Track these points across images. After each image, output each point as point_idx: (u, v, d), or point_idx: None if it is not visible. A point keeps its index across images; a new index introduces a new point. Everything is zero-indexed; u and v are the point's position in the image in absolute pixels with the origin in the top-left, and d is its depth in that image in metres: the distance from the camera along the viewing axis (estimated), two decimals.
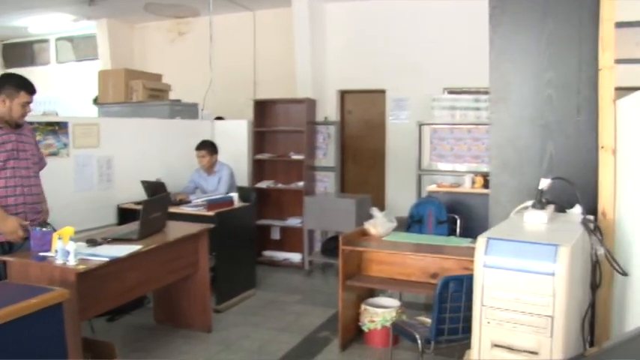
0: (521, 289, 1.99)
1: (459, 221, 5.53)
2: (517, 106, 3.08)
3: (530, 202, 2.53)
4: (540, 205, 2.44)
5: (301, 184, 7.07)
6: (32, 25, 10.14)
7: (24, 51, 11.64)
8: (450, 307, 3.26)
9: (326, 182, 7.36)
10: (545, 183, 2.50)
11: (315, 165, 7.37)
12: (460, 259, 4.01)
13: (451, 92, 7.02)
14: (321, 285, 6.28)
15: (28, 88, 3.77)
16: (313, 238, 7.11)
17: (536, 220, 2.38)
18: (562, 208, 2.67)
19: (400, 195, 7.16)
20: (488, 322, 2.04)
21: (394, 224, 4.68)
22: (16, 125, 3.79)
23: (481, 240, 2.07)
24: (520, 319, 2.00)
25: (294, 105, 7.32)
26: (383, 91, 7.56)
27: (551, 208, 2.50)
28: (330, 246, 6.57)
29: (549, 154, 3.00)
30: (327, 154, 7.33)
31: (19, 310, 2.37)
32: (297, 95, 7.57)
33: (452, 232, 5.42)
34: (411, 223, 5.41)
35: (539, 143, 3.03)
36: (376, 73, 7.51)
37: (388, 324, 4.29)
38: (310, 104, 7.14)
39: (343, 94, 7.91)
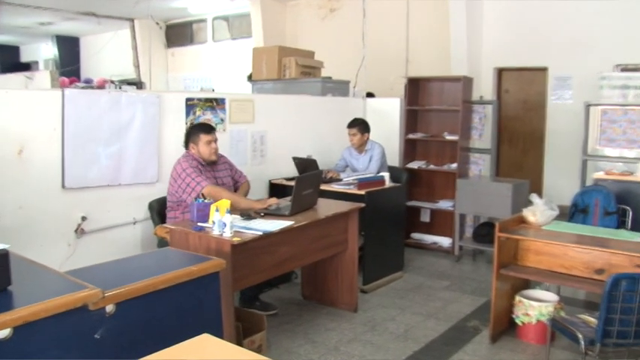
0: None
1: (630, 213, 5.09)
2: None
3: None
4: None
5: (454, 165, 6.88)
6: (191, 5, 10.75)
7: (184, 31, 12.40)
8: (621, 307, 3.02)
9: (480, 165, 7.11)
10: None
11: (469, 146, 7.14)
12: (632, 255, 3.70)
13: (624, 69, 6.46)
14: (470, 272, 6.11)
15: (204, 128, 4.49)
16: (464, 222, 6.91)
17: None
18: None
19: (560, 182, 6.77)
20: None
21: (556, 212, 4.41)
22: (212, 163, 4.51)
23: None
24: None
25: (448, 83, 7.11)
26: (544, 69, 7.14)
27: None
28: (483, 232, 6.37)
29: None
30: (482, 135, 7.06)
31: (181, 276, 2.49)
32: (451, 73, 7.37)
33: (621, 224, 5.00)
34: (575, 212, 5.07)
35: None
36: (536, 49, 7.09)
37: (545, 319, 4.07)
38: (467, 82, 6.90)
39: (500, 72, 7.58)
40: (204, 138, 4.44)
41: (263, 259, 3.84)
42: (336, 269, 4.85)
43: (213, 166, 4.57)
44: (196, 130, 4.49)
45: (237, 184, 4.81)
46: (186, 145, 4.52)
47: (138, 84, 8.52)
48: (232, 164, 4.85)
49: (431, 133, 7.24)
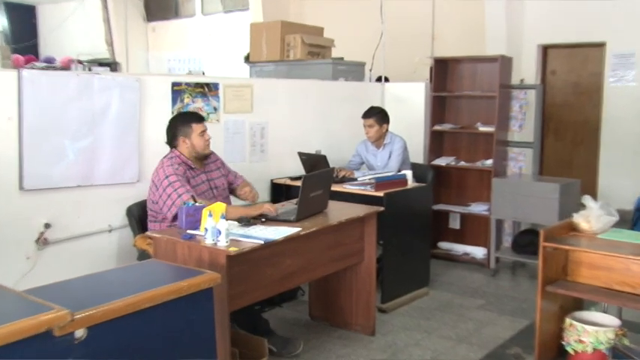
0: None
1: None
2: None
3: None
4: None
5: (490, 162, 6.83)
6: None
7: (167, 1, 12.36)
8: None
9: (521, 161, 7.05)
10: None
11: (507, 139, 7.09)
12: None
13: None
14: (509, 289, 6.07)
15: (195, 117, 4.52)
16: (502, 229, 6.87)
17: None
18: None
19: (619, 181, 6.71)
20: None
21: (614, 218, 4.34)
22: (205, 157, 4.54)
23: None
24: None
25: (483, 64, 7.06)
26: (600, 45, 7.06)
27: None
28: (524, 241, 6.34)
29: None
30: (523, 125, 6.99)
31: (167, 293, 2.47)
32: (486, 52, 7.32)
33: None
34: (639, 218, 5.02)
35: None
36: (591, 21, 7.01)
37: (603, 348, 3.99)
38: (505, 63, 6.85)
39: (545, 50, 7.50)
40: (197, 128, 4.42)
41: (264, 273, 3.81)
42: (350, 284, 4.83)
43: (204, 167, 4.55)
44: (186, 121, 4.46)
45: (232, 185, 4.78)
46: (173, 140, 4.47)
47: (112, 65, 8.50)
48: (223, 163, 4.82)
49: (462, 124, 7.20)
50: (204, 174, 4.53)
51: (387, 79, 7.57)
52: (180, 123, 4.45)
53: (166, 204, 4.18)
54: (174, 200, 4.13)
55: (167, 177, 4.23)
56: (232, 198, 4.79)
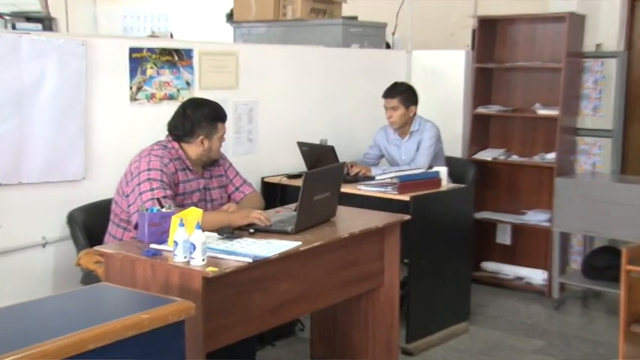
0: None
1: None
2: None
3: None
4: None
5: (552, 156, 6.84)
6: None
7: None
8: None
9: (595, 156, 7.03)
10: None
11: (577, 126, 7.09)
12: None
13: None
14: (579, 327, 6.07)
15: (222, 114, 4.61)
16: (568, 246, 6.91)
17: None
18: None
19: None
20: None
21: None
22: (212, 163, 4.69)
23: None
24: None
25: (544, 25, 7.11)
26: None
27: None
28: (600, 263, 6.31)
29: None
30: (599, 108, 6.99)
31: (123, 330, 2.46)
32: (549, 8, 7.27)
33: None
34: None
35: None
36: None
37: None
38: (574, 23, 6.84)
39: (633, 4, 7.44)
40: (221, 129, 4.55)
41: (253, 301, 3.81)
42: (365, 317, 4.86)
43: (203, 172, 4.59)
44: (213, 117, 4.51)
45: (230, 197, 4.77)
46: (187, 136, 4.47)
47: (45, 21, 8.41)
48: (229, 167, 4.83)
49: (514, 106, 7.23)
50: (203, 180, 4.56)
51: (388, 46, 7.56)
52: (206, 119, 4.48)
53: (136, 203, 4.16)
54: (145, 201, 4.10)
55: (149, 170, 4.22)
56: None
